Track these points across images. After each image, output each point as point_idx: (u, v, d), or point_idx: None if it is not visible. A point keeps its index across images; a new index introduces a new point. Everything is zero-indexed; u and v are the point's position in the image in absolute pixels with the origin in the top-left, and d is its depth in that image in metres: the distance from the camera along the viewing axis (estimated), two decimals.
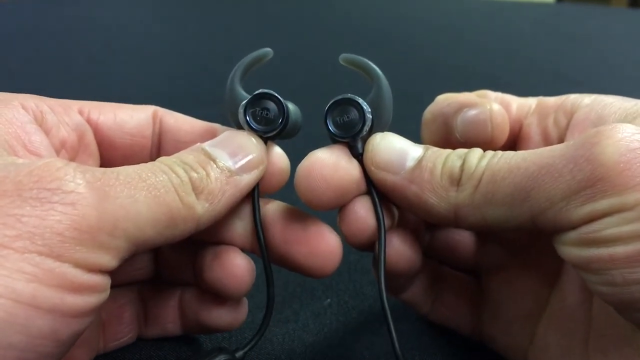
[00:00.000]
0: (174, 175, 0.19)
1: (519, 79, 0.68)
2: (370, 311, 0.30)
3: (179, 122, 0.25)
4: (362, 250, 0.23)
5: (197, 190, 0.19)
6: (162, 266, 0.26)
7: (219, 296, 0.23)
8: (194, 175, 0.19)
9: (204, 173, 0.20)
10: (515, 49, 0.82)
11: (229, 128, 0.24)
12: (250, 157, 0.21)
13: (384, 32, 0.95)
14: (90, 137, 0.23)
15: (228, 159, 0.21)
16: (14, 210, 0.15)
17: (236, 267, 0.22)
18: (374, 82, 0.22)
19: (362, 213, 0.21)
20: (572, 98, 0.23)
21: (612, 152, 0.17)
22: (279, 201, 0.23)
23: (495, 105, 0.23)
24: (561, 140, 0.23)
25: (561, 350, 0.21)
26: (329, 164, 0.21)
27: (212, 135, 0.24)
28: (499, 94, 0.26)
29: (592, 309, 0.21)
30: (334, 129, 0.22)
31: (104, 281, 0.17)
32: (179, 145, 0.24)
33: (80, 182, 0.16)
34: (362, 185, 0.22)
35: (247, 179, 0.21)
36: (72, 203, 0.16)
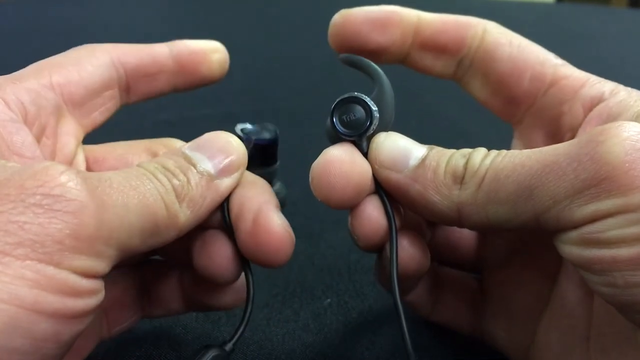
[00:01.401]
0: (156, 181, 0.19)
1: None
2: (370, 311, 0.30)
3: (138, 57, 0.25)
4: (370, 252, 0.23)
5: (179, 198, 0.19)
6: (161, 248, 0.26)
7: (211, 282, 0.23)
8: (176, 182, 0.19)
9: (185, 179, 0.20)
10: None
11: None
12: (230, 159, 0.21)
13: None
14: (67, 114, 0.23)
15: (208, 162, 0.21)
16: (17, 217, 0.15)
17: (221, 256, 0.22)
18: (375, 81, 0.22)
19: (375, 214, 0.21)
20: (592, 87, 0.22)
21: (617, 151, 0.16)
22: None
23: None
24: (574, 135, 0.22)
25: (562, 348, 0.21)
26: (347, 160, 0.20)
27: (171, 61, 0.25)
28: (513, 52, 0.23)
29: (593, 307, 0.21)
30: (341, 127, 0.21)
31: (100, 285, 0.17)
32: (148, 80, 0.25)
33: (82, 190, 0.16)
34: (373, 184, 0.21)
35: (228, 183, 0.21)
36: (73, 212, 0.16)
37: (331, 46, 0.24)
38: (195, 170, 0.20)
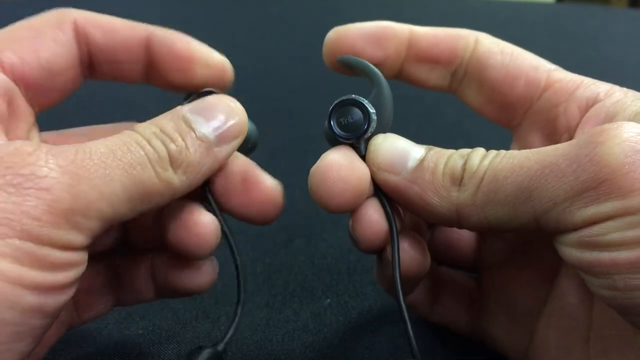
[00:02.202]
0: (150, 149, 0.19)
1: None
2: (370, 311, 0.30)
3: (108, 38, 0.22)
4: (370, 254, 0.23)
5: (175, 164, 0.19)
6: (130, 233, 0.25)
7: (185, 258, 0.23)
8: (173, 147, 0.19)
9: (183, 145, 0.19)
10: None
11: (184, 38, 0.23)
12: (230, 125, 0.21)
13: None
14: (19, 97, 0.21)
15: (208, 127, 0.20)
16: None
17: (199, 226, 0.22)
18: (374, 82, 0.22)
19: (375, 217, 0.21)
20: (587, 89, 0.22)
21: (617, 153, 0.16)
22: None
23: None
24: (571, 136, 0.22)
25: (561, 350, 0.21)
26: (345, 165, 0.20)
27: (144, 53, 0.23)
28: (505, 59, 0.23)
29: (593, 308, 0.21)
30: (338, 130, 0.21)
31: (81, 256, 0.18)
32: (114, 65, 0.23)
33: (52, 166, 0.17)
34: (372, 187, 0.21)
35: (226, 150, 0.21)
36: (46, 188, 0.16)
37: (326, 63, 0.24)
38: (194, 135, 0.20)
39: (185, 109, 0.21)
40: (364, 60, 0.23)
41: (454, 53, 0.24)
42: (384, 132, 0.22)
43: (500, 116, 0.24)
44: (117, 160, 0.18)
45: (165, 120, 0.20)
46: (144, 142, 0.19)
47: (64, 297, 0.17)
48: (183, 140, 0.20)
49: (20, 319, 0.16)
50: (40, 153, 0.17)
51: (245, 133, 0.22)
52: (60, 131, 0.24)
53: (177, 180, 0.19)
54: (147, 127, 0.20)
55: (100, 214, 0.17)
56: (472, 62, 0.24)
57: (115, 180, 0.18)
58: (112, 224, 0.18)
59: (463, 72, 0.24)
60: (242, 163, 0.22)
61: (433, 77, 0.25)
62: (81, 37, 0.22)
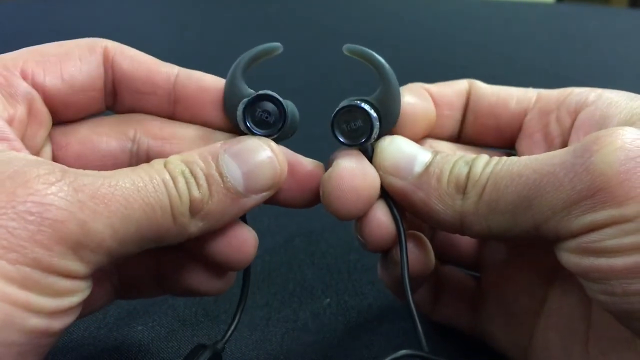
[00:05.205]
0: (174, 190, 0.18)
1: (518, 80, 0.68)
2: (369, 310, 0.30)
3: (134, 67, 0.22)
4: (377, 253, 0.23)
5: (194, 211, 0.19)
6: None
7: (219, 267, 0.23)
8: (196, 194, 0.19)
9: (207, 193, 0.19)
10: (514, 49, 0.82)
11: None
12: (265, 178, 0.20)
13: (383, 33, 0.95)
14: (39, 104, 0.21)
15: (240, 178, 0.20)
16: (8, 222, 0.16)
17: (242, 242, 0.21)
18: (381, 75, 0.22)
19: (384, 220, 0.21)
20: (577, 95, 0.22)
21: (611, 162, 0.16)
22: None
23: (408, 98, 0.22)
24: (565, 140, 0.22)
25: (560, 350, 0.21)
26: (358, 174, 0.20)
27: (170, 87, 0.22)
28: (495, 89, 0.25)
29: (592, 310, 0.21)
30: (343, 137, 0.21)
31: (85, 283, 0.18)
32: (137, 96, 0.23)
33: (72, 199, 0.17)
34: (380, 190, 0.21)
35: (255, 200, 0.20)
36: (62, 221, 0.16)
37: None
38: (222, 185, 0.19)
39: (222, 150, 0.20)
40: (371, 51, 0.22)
41: (459, 97, 0.25)
42: (392, 125, 0.22)
43: (498, 137, 0.25)
44: (139, 200, 0.18)
45: (197, 159, 0.19)
46: (171, 184, 0.18)
47: (69, 319, 0.18)
48: (209, 187, 0.19)
49: (27, 340, 0.16)
50: (64, 185, 0.17)
51: (280, 185, 0.21)
52: (68, 125, 0.23)
53: (193, 226, 0.19)
54: (178, 165, 0.19)
55: (108, 251, 0.17)
56: (470, 99, 0.25)
57: (132, 221, 0.17)
58: (118, 259, 0.18)
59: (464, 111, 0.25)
60: (285, 151, 0.22)
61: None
62: (108, 62, 0.22)
